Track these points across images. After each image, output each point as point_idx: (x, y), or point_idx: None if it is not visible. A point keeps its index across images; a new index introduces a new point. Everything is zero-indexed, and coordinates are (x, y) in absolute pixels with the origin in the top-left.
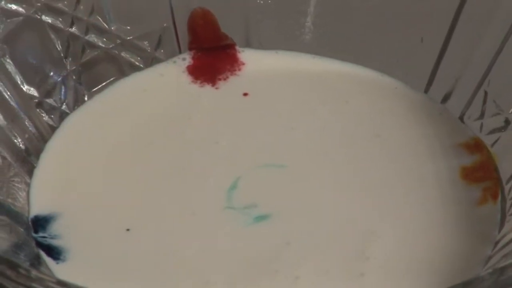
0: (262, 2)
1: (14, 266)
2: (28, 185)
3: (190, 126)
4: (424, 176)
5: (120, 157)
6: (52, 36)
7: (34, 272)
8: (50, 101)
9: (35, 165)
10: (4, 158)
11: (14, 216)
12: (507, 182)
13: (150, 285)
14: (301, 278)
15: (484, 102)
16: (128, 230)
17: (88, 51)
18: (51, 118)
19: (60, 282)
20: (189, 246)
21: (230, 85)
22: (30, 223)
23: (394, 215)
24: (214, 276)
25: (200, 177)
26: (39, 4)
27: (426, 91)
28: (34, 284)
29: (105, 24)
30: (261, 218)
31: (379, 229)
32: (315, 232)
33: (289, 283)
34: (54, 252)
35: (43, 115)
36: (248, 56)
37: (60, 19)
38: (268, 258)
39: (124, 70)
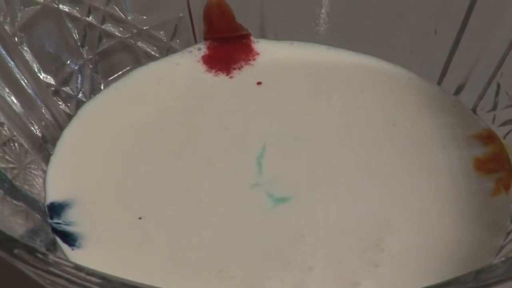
0: None
1: (31, 251)
2: (45, 172)
3: (202, 114)
4: (437, 166)
5: (134, 145)
6: (69, 25)
7: (51, 257)
8: (66, 89)
9: (51, 152)
10: (21, 145)
11: (31, 202)
12: None
13: (163, 273)
14: (314, 269)
15: (497, 94)
16: (140, 218)
17: (105, 40)
18: (67, 106)
19: (77, 267)
20: (202, 234)
21: (244, 75)
22: (46, 209)
23: (408, 206)
24: (228, 265)
25: (209, 164)
26: None
27: (439, 82)
28: (51, 269)
29: (121, 14)
30: (281, 200)
31: (394, 220)
32: (330, 222)
33: (302, 274)
34: (70, 239)
35: (60, 103)
36: (262, 47)
37: (77, 8)
38: (282, 249)
39: (140, 59)
